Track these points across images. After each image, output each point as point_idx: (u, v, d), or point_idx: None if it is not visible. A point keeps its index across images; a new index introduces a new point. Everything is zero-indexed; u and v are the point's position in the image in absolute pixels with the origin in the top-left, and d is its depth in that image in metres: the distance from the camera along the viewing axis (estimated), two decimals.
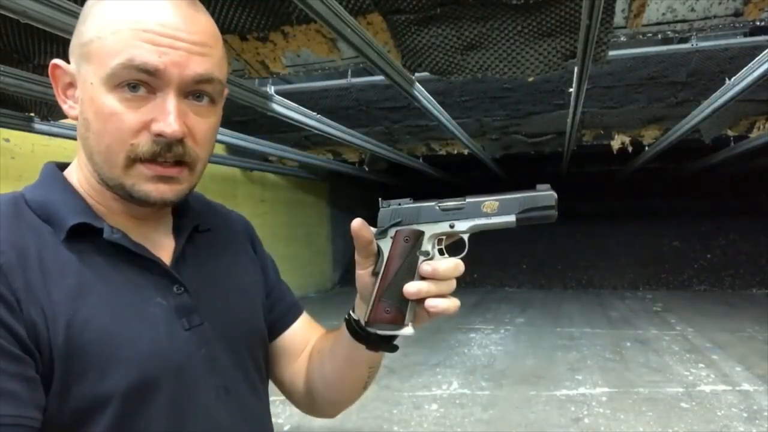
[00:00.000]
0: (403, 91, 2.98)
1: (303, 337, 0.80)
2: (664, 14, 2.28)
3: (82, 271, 0.57)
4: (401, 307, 0.61)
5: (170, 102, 0.56)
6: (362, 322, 0.67)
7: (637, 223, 8.01)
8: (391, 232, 0.62)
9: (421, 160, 6.21)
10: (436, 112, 3.65)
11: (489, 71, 2.54)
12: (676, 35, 2.46)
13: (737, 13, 2.21)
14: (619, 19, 2.29)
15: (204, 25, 0.60)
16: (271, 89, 3.32)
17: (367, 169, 6.67)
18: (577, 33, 2.13)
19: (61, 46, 2.12)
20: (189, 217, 0.70)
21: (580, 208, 8.02)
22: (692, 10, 2.25)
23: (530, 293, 7.40)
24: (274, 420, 0.75)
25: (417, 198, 0.64)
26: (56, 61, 0.61)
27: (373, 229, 0.64)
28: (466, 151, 5.55)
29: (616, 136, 5.22)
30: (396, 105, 4.32)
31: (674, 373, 3.59)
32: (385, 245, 0.62)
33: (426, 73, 2.67)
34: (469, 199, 0.62)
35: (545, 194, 0.61)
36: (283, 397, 0.83)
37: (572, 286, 7.73)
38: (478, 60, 2.49)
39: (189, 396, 0.60)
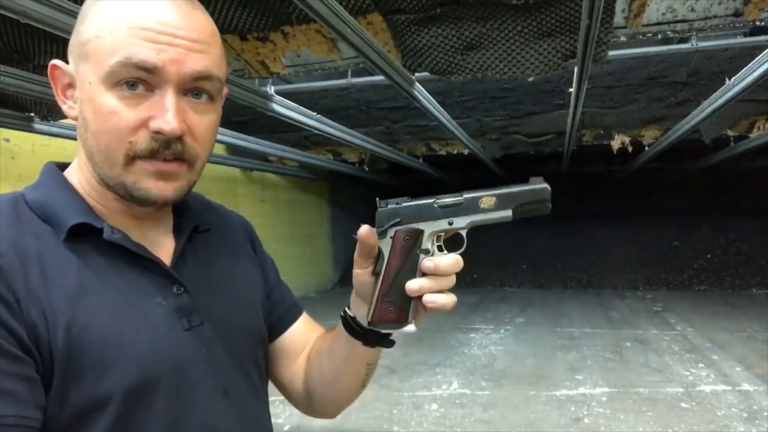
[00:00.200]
0: (403, 91, 2.98)
1: (303, 337, 0.80)
2: (664, 14, 2.28)
3: (82, 271, 0.57)
4: (404, 305, 0.62)
5: (169, 99, 0.56)
6: (359, 320, 0.68)
7: (637, 223, 8.00)
8: (391, 231, 0.62)
9: (421, 160, 6.21)
10: (436, 112, 3.65)
11: (489, 71, 2.54)
12: (676, 35, 2.46)
13: (737, 13, 2.21)
14: (619, 19, 2.29)
15: (202, 22, 0.60)
16: (271, 89, 3.32)
17: (367, 169, 6.67)
18: (577, 33, 2.13)
19: (61, 46, 2.12)
20: (189, 217, 0.70)
21: (580, 208, 8.02)
22: (692, 10, 2.25)
23: (530, 293, 7.40)
24: (274, 420, 0.75)
25: (415, 196, 0.65)
26: (55, 61, 0.61)
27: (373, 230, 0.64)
28: (466, 151, 5.55)
29: (616, 136, 5.22)
30: (396, 105, 4.32)
31: (674, 373, 3.59)
32: (385, 245, 0.63)
33: (426, 73, 2.67)
34: (466, 195, 0.63)
35: (540, 188, 0.63)
36: (283, 397, 0.83)
37: (572, 285, 7.74)
38: (478, 60, 2.49)
39: (189, 396, 0.60)
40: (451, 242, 0.65)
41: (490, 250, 8.14)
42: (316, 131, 4.01)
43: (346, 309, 0.70)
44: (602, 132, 5.18)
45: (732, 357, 3.92)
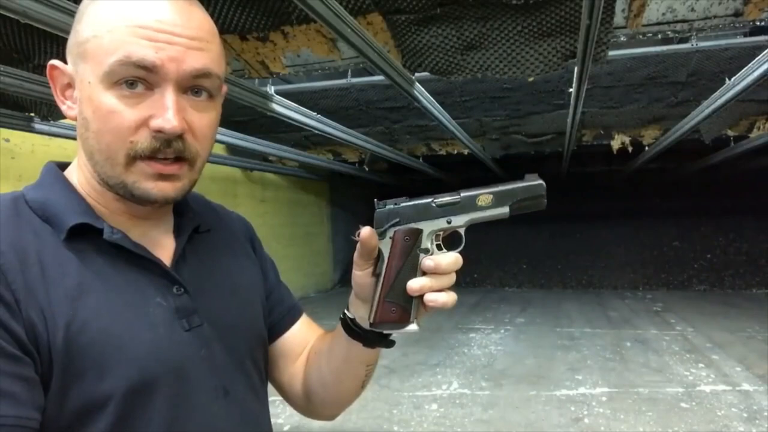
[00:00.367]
0: (403, 91, 2.98)
1: (302, 339, 0.80)
2: (664, 14, 2.28)
3: (82, 271, 0.57)
4: (406, 306, 0.62)
5: (169, 97, 0.56)
6: (359, 321, 0.68)
7: (637, 223, 8.01)
8: (390, 232, 0.62)
9: (421, 160, 6.22)
10: (436, 112, 3.65)
11: (489, 71, 2.54)
12: (676, 35, 2.46)
13: (737, 13, 2.21)
14: (619, 19, 2.29)
15: (200, 20, 0.60)
16: (271, 89, 3.32)
17: (367, 169, 6.67)
18: (577, 33, 2.13)
19: (61, 46, 2.11)
20: (189, 217, 0.70)
21: (580, 208, 8.02)
22: (692, 10, 2.25)
23: (530, 293, 7.40)
24: (273, 420, 0.75)
25: (414, 196, 0.65)
26: (54, 62, 0.61)
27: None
28: (466, 151, 5.55)
29: (616, 136, 5.22)
30: (396, 105, 4.31)
31: (674, 373, 3.59)
32: (385, 246, 0.63)
33: (426, 73, 2.67)
34: (463, 194, 0.63)
35: (535, 184, 0.63)
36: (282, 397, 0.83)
37: (572, 285, 7.74)
38: (478, 60, 2.49)
39: (188, 397, 0.60)
40: (450, 241, 0.65)
41: (490, 250, 8.14)
42: (316, 131, 4.01)
43: (346, 311, 0.70)
44: (602, 132, 5.17)
45: (732, 357, 3.92)
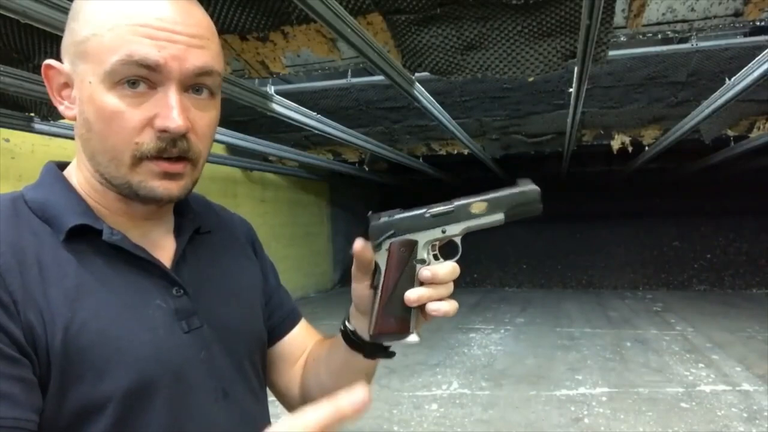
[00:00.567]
0: (403, 91, 2.98)
1: (301, 343, 0.80)
2: (664, 14, 2.28)
3: (81, 272, 0.57)
4: (405, 316, 0.62)
5: (172, 96, 0.56)
6: (359, 333, 0.67)
7: (637, 223, 8.01)
8: (386, 244, 0.62)
9: (421, 160, 6.22)
10: (436, 112, 3.65)
11: (489, 71, 2.54)
12: (676, 35, 2.46)
13: (737, 13, 2.21)
14: (619, 19, 2.29)
15: (200, 18, 0.59)
16: (271, 89, 3.32)
17: (367, 169, 6.67)
18: (577, 33, 2.13)
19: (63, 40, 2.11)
20: (190, 218, 0.69)
21: (580, 208, 8.02)
22: (692, 10, 2.25)
23: (530, 293, 7.40)
24: (274, 422, 0.74)
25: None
26: (49, 61, 0.60)
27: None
28: (466, 151, 5.55)
29: (616, 136, 5.22)
30: (396, 105, 4.31)
31: (674, 373, 3.60)
32: (381, 258, 0.63)
33: (426, 73, 2.67)
34: (457, 203, 0.63)
35: (530, 189, 0.63)
36: None
37: (572, 285, 7.74)
38: (478, 60, 2.49)
39: (187, 399, 0.60)
40: (446, 250, 0.65)
41: (490, 250, 8.14)
42: (316, 131, 4.01)
43: (346, 322, 0.70)
44: (602, 132, 5.17)
45: (732, 357, 3.92)
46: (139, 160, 0.57)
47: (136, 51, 0.54)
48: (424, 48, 2.44)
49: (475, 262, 8.08)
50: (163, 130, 0.56)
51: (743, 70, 2.95)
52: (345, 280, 8.32)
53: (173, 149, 0.57)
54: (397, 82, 2.74)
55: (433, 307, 0.61)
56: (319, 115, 3.85)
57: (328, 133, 4.13)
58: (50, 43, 2.11)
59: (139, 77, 0.55)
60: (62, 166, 0.65)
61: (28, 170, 3.38)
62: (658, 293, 7.05)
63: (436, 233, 0.63)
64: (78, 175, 0.63)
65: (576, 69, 2.63)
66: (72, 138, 3.40)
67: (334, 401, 0.43)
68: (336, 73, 3.68)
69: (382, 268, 0.62)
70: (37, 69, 2.27)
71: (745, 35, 3.25)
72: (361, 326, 0.67)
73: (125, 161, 0.57)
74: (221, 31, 2.31)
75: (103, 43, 0.55)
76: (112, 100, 0.55)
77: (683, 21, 2.29)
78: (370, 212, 0.64)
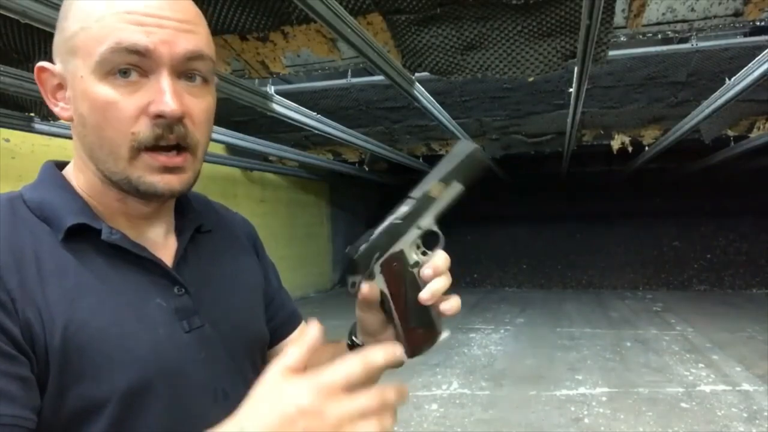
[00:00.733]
0: (403, 91, 2.98)
1: None
2: (664, 14, 2.28)
3: (81, 271, 0.57)
4: (429, 321, 0.62)
5: (164, 81, 0.55)
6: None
7: (637, 223, 8.01)
8: (378, 268, 0.62)
9: (421, 160, 6.22)
10: (436, 112, 3.65)
11: (489, 71, 2.54)
12: (676, 35, 2.46)
13: (737, 13, 2.21)
14: (619, 19, 2.29)
15: (185, 3, 0.59)
16: (271, 89, 3.32)
17: (367, 169, 6.67)
18: (577, 33, 2.13)
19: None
20: (191, 217, 0.69)
21: (580, 208, 8.02)
22: (692, 10, 2.25)
23: (530, 293, 7.40)
24: None
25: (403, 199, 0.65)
26: (42, 63, 0.60)
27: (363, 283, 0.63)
28: None
29: (616, 136, 5.22)
30: (396, 105, 4.31)
31: (674, 373, 3.59)
32: (381, 283, 0.63)
33: (426, 73, 2.67)
34: (414, 196, 0.63)
35: (471, 150, 0.63)
36: None
37: (572, 286, 7.74)
38: (478, 60, 2.50)
39: (187, 398, 0.59)
40: (429, 242, 0.65)
41: (490, 250, 8.14)
42: (316, 131, 4.01)
43: (353, 338, 0.70)
44: (602, 132, 5.17)
45: (732, 357, 3.92)
46: (137, 151, 0.56)
47: (124, 38, 0.54)
48: (424, 48, 2.44)
49: (475, 262, 8.08)
50: (158, 116, 0.55)
51: (743, 70, 2.95)
52: (344, 281, 8.31)
53: (170, 135, 0.56)
54: (397, 82, 2.74)
55: (446, 306, 0.62)
56: (319, 115, 3.85)
57: (328, 133, 4.13)
58: (50, 43, 2.10)
59: (129, 65, 0.55)
60: (61, 165, 0.65)
61: (28, 170, 3.38)
62: (658, 293, 7.05)
63: (413, 233, 0.63)
64: (77, 176, 0.62)
65: (576, 69, 2.63)
66: (72, 138, 3.41)
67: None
68: (336, 73, 3.68)
69: (386, 291, 0.62)
70: None
71: (745, 35, 3.25)
72: (371, 341, 0.68)
73: (123, 154, 0.56)
74: (221, 31, 2.31)
75: (91, 34, 0.55)
76: (104, 91, 0.55)
77: (683, 21, 2.29)
78: (347, 249, 0.64)
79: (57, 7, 1.60)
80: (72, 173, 0.63)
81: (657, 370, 3.69)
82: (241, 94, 2.86)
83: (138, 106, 0.55)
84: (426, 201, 0.62)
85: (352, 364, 0.46)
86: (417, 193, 0.62)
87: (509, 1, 2.09)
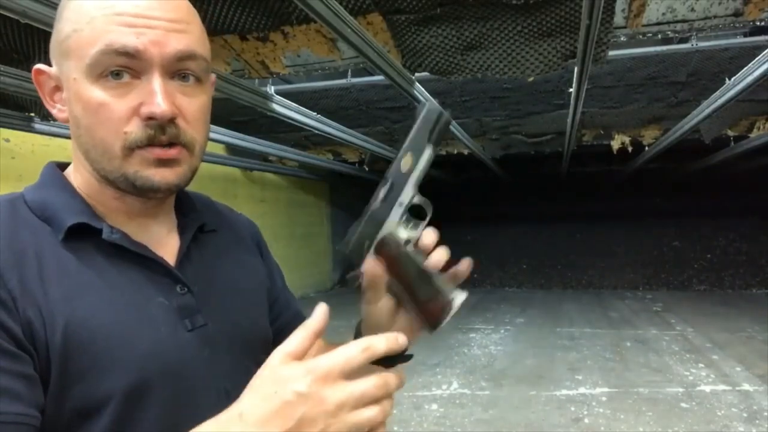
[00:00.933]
0: (403, 91, 2.98)
1: None
2: (664, 14, 2.28)
3: (82, 270, 0.57)
4: (438, 290, 0.62)
5: (155, 82, 0.55)
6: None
7: (637, 223, 8.01)
8: (372, 257, 0.62)
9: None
10: None
11: (489, 71, 2.54)
12: (676, 35, 2.46)
13: (737, 13, 2.21)
14: (619, 19, 2.29)
15: (177, 2, 0.59)
16: (271, 89, 3.32)
17: (367, 169, 6.67)
18: (577, 33, 2.13)
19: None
20: (193, 216, 0.69)
21: (580, 208, 8.02)
22: (692, 10, 2.25)
23: (530, 293, 7.40)
24: None
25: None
26: (39, 66, 0.60)
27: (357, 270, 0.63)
28: (466, 151, 5.55)
29: (616, 136, 5.23)
30: (396, 105, 4.31)
31: (674, 373, 3.60)
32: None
33: (426, 73, 2.67)
34: (389, 176, 0.62)
35: (429, 110, 0.62)
36: None
37: (572, 286, 7.74)
38: (478, 60, 2.50)
39: (189, 398, 0.59)
40: (416, 213, 0.65)
41: (490, 250, 8.14)
42: (316, 131, 4.01)
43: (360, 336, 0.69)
44: (602, 132, 5.18)
45: (732, 357, 3.92)
46: (130, 150, 0.56)
47: (114, 40, 0.54)
48: (424, 48, 2.44)
49: (475, 262, 8.05)
50: (149, 117, 0.55)
51: (743, 70, 2.96)
52: (345, 280, 8.32)
53: (162, 136, 0.56)
54: (397, 82, 2.74)
55: (460, 269, 0.62)
56: (319, 115, 3.85)
57: (328, 133, 4.13)
58: (50, 43, 2.11)
59: (121, 67, 0.55)
60: (63, 166, 0.65)
61: (28, 170, 3.38)
62: (658, 293, 7.05)
63: (396, 212, 0.62)
64: (76, 176, 0.63)
65: (576, 69, 2.63)
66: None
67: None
68: (336, 73, 3.68)
69: (386, 275, 0.62)
70: None
71: (745, 35, 3.25)
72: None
73: (116, 153, 0.57)
74: (221, 31, 2.31)
75: (83, 36, 0.55)
76: (96, 93, 0.55)
77: (683, 21, 2.29)
78: (337, 248, 0.64)
79: (57, 7, 1.60)
80: (72, 174, 0.63)
81: (657, 370, 3.69)
82: (241, 94, 2.86)
83: (129, 107, 0.56)
84: (401, 177, 0.62)
85: (353, 350, 0.46)
86: (390, 172, 0.62)
87: (509, 1, 2.09)
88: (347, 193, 8.40)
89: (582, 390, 3.33)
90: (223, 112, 4.15)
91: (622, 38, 2.44)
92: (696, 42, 3.22)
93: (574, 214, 8.05)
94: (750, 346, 4.23)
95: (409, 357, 0.69)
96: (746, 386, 3.29)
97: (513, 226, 8.38)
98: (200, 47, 0.59)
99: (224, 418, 0.48)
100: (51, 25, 1.70)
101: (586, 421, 2.86)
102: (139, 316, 0.58)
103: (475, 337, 4.76)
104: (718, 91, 3.33)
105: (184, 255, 0.65)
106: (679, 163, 6.86)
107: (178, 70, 0.58)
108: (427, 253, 0.62)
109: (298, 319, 0.80)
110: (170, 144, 0.58)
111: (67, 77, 0.57)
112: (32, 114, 3.01)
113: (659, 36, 2.40)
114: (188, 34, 0.58)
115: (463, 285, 0.64)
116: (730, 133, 4.78)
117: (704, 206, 7.67)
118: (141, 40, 0.55)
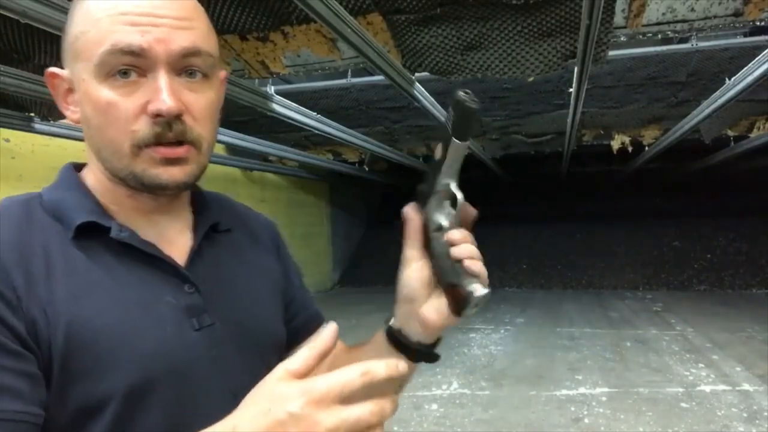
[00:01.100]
0: (403, 91, 2.98)
1: None
2: (664, 14, 2.28)
3: (90, 269, 0.57)
4: (461, 279, 0.62)
5: (161, 79, 0.56)
6: (406, 333, 0.67)
7: (637, 223, 8.01)
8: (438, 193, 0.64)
9: (421, 160, 6.22)
10: (436, 112, 3.65)
11: (489, 71, 2.54)
12: (676, 35, 2.46)
13: (737, 13, 2.21)
14: (619, 19, 2.29)
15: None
16: (271, 89, 3.32)
17: (367, 169, 6.67)
18: (577, 33, 2.13)
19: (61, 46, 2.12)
20: (207, 215, 0.69)
21: (580, 208, 8.03)
22: (692, 10, 2.25)
23: (530, 293, 7.40)
24: None
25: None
26: (52, 69, 0.61)
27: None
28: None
29: (616, 136, 5.23)
30: (396, 105, 4.32)
31: (674, 373, 3.60)
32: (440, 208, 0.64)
33: (426, 73, 2.67)
34: (429, 166, 0.64)
35: (456, 101, 0.62)
36: None
37: (572, 286, 7.73)
38: (478, 60, 2.50)
39: (194, 398, 0.59)
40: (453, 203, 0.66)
41: (490, 250, 8.13)
42: (316, 131, 4.01)
43: (390, 324, 0.68)
44: (602, 132, 5.18)
45: (732, 357, 3.92)
46: (138, 148, 0.57)
47: (119, 39, 0.55)
48: (424, 48, 2.44)
49: None
50: (156, 114, 0.56)
51: (743, 70, 2.96)
52: (345, 280, 8.32)
53: (169, 133, 0.57)
54: (397, 82, 2.74)
55: (474, 267, 0.63)
56: (319, 115, 3.86)
57: (328, 133, 4.13)
58: (50, 43, 2.11)
59: (128, 66, 0.56)
60: (80, 167, 0.66)
61: (28, 170, 3.38)
62: (658, 293, 7.05)
63: (435, 198, 0.64)
64: (90, 176, 0.64)
65: (576, 69, 2.63)
66: (72, 138, 3.41)
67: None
68: (336, 73, 3.68)
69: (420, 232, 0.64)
70: (37, 69, 2.27)
71: (745, 35, 3.25)
72: (412, 326, 0.67)
73: (125, 151, 0.57)
74: (221, 31, 2.31)
75: (90, 38, 0.56)
76: (105, 93, 0.56)
77: (683, 21, 2.29)
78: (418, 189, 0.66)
79: (57, 7, 1.60)
80: (87, 174, 0.65)
81: (657, 370, 3.69)
82: (241, 94, 2.87)
83: (137, 106, 0.56)
84: (432, 166, 0.64)
85: (351, 374, 0.46)
86: (429, 169, 0.65)
87: (509, 1, 2.09)
88: (347, 193, 8.40)
89: (582, 390, 3.33)
90: (223, 112, 4.14)
91: (622, 38, 2.44)
92: (696, 42, 3.22)
93: (574, 214, 8.05)
94: (750, 346, 4.23)
95: (436, 357, 0.69)
96: (746, 386, 3.29)
97: (513, 226, 8.38)
98: (206, 43, 0.60)
99: (219, 430, 0.48)
100: (51, 25, 1.70)
101: (586, 421, 2.86)
102: (146, 315, 0.58)
103: (475, 337, 4.76)
104: (718, 91, 3.34)
105: (195, 254, 0.65)
106: (679, 163, 6.86)
107: (184, 66, 0.58)
108: (453, 245, 0.63)
109: (316, 319, 0.80)
110: (178, 142, 0.58)
111: (77, 78, 0.58)
112: (32, 114, 3.01)
113: (659, 36, 2.40)
114: (193, 31, 0.58)
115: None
116: (730, 133, 4.78)
117: (704, 206, 7.67)
118: (146, 38, 0.55)
